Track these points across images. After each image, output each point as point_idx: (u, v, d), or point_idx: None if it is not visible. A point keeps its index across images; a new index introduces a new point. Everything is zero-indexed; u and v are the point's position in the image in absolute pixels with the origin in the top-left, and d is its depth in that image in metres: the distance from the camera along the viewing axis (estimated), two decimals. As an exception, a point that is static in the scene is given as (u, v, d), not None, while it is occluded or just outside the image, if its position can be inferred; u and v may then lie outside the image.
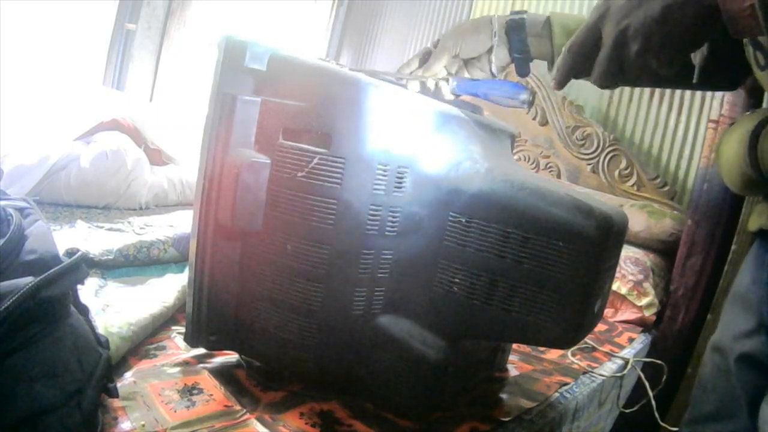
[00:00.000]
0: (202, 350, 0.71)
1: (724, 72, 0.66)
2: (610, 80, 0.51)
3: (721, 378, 0.64)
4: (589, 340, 1.13)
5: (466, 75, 0.73)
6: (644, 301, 1.43)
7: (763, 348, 0.60)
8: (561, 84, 0.56)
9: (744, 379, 0.61)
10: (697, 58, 0.61)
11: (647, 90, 1.96)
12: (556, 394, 0.84)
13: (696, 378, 0.72)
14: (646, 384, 1.08)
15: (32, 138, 1.39)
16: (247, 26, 2.34)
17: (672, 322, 1.48)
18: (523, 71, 0.69)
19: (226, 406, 0.61)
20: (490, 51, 0.69)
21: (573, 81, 0.57)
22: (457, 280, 0.64)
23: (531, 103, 0.72)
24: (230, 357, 0.73)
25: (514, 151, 0.87)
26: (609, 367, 1.05)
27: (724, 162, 0.64)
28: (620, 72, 0.50)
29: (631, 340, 1.29)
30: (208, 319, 0.66)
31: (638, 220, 1.61)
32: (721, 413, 0.63)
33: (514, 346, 0.95)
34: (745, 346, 0.62)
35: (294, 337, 0.63)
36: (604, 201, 0.68)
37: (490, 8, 2.37)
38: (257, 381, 0.68)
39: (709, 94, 1.79)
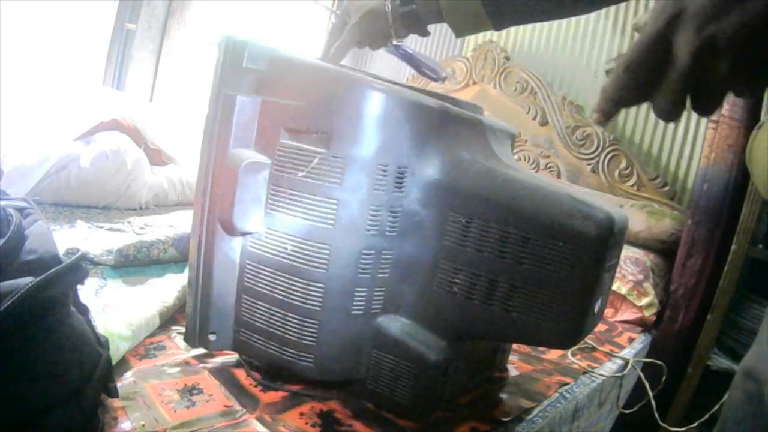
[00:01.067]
0: (202, 350, 0.71)
1: None
2: (680, 109, 0.36)
3: (753, 407, 0.59)
4: (589, 340, 1.13)
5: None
6: (644, 301, 1.43)
7: None
8: (608, 116, 0.40)
9: None
10: None
11: (647, 90, 1.96)
12: (556, 394, 0.84)
13: (726, 402, 0.67)
14: (646, 384, 1.08)
15: (32, 138, 1.39)
16: (247, 26, 2.34)
17: (672, 322, 1.48)
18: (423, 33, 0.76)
19: (226, 406, 0.61)
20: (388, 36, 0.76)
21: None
22: (457, 280, 0.64)
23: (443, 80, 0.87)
24: (230, 357, 0.73)
25: (514, 151, 0.87)
26: (609, 367, 1.05)
27: (759, 169, 0.54)
28: (694, 98, 0.36)
29: (631, 340, 1.29)
30: (208, 319, 0.66)
31: (638, 220, 1.61)
32: None
33: (514, 346, 0.95)
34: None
35: (294, 337, 0.63)
36: (604, 201, 0.68)
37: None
38: (257, 381, 0.68)
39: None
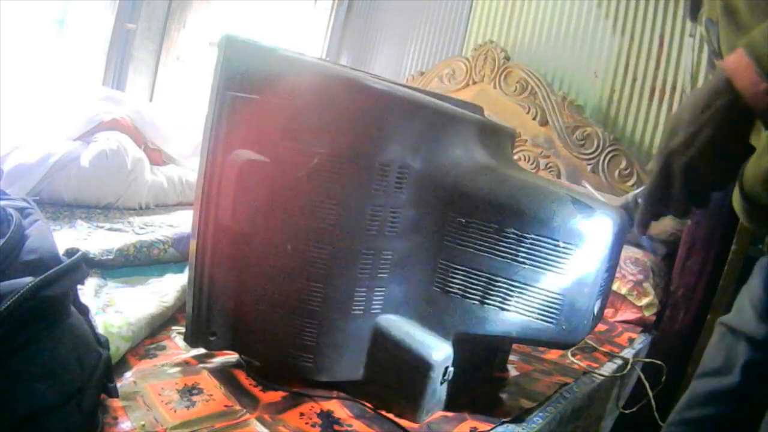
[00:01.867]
0: (202, 350, 0.71)
1: None
2: (688, 211, 0.56)
3: (725, 345, 0.76)
4: (589, 340, 1.13)
5: None
6: (644, 301, 1.43)
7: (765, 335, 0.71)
8: (645, 230, 0.59)
9: (743, 350, 0.73)
10: None
11: (647, 90, 1.96)
12: (556, 394, 0.84)
13: (706, 347, 0.82)
14: (646, 384, 1.08)
15: (33, 137, 1.39)
16: (247, 26, 2.34)
17: (672, 322, 1.48)
18: None
19: (226, 406, 0.61)
20: None
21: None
22: (456, 280, 0.64)
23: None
24: (230, 357, 0.73)
25: (514, 151, 0.87)
26: (609, 367, 1.05)
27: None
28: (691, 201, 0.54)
29: (631, 340, 1.29)
30: (208, 319, 0.66)
31: (638, 220, 1.61)
32: (721, 371, 0.75)
33: (514, 346, 0.95)
34: (748, 329, 0.73)
35: (294, 337, 0.63)
36: (604, 201, 0.68)
37: (489, 8, 2.37)
38: (257, 381, 0.68)
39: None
